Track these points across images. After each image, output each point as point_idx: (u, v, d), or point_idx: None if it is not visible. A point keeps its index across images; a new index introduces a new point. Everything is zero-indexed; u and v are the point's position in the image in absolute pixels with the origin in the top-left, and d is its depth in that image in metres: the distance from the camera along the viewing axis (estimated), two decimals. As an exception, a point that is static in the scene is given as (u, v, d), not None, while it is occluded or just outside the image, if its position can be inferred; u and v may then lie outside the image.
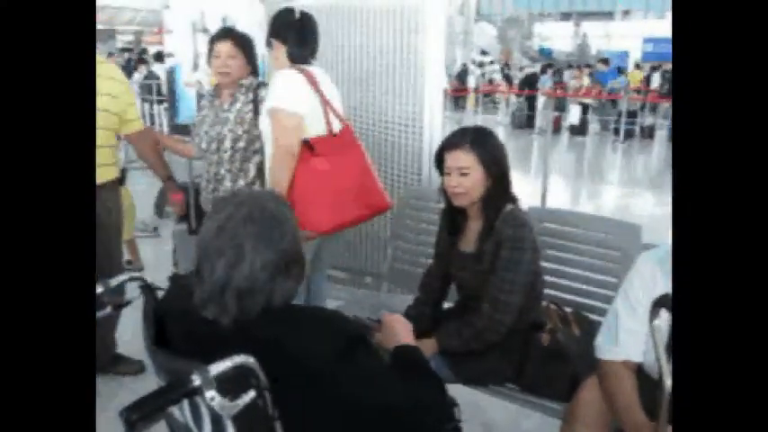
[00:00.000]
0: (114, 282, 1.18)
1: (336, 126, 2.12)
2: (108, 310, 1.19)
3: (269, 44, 2.19)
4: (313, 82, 2.08)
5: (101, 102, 2.20)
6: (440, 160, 1.76)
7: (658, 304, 1.07)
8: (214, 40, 2.38)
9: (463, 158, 1.69)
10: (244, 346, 0.91)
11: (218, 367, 0.85)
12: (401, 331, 1.31)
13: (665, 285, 1.33)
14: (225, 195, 1.07)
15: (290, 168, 1.99)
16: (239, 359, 0.87)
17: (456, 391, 1.63)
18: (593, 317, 1.94)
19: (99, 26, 11.88)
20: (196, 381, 0.83)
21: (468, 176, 1.69)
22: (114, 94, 2.26)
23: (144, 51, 13.34)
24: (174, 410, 1.03)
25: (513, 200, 1.77)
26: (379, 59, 3.01)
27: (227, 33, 2.40)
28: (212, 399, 0.83)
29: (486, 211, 1.73)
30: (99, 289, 1.15)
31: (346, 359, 1.00)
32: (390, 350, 1.26)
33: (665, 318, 1.06)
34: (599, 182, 8.00)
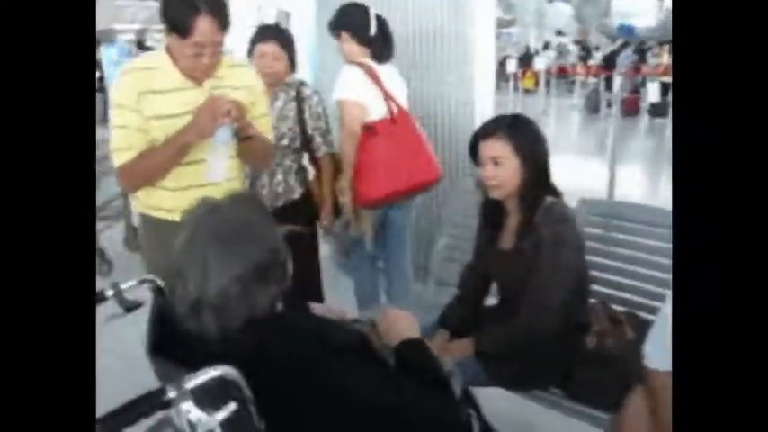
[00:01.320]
0: (125, 285, 1.18)
1: (394, 111, 2.37)
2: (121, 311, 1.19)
3: (338, 35, 2.38)
4: (373, 75, 2.32)
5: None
6: (474, 149, 1.65)
7: None
8: (257, 40, 2.32)
9: (497, 147, 1.58)
10: (230, 357, 0.88)
11: (195, 379, 0.82)
12: (406, 326, 1.21)
13: None
14: (191, 207, 1.04)
15: (354, 146, 2.33)
16: (218, 371, 0.83)
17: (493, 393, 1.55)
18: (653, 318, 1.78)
19: (136, 26, 11.56)
20: (171, 393, 0.80)
21: (502, 166, 1.58)
22: (252, 101, 1.87)
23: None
24: (173, 416, 1.01)
25: (555, 193, 1.64)
26: (428, 46, 2.91)
27: (273, 34, 2.33)
28: (188, 411, 0.80)
29: (522, 204, 1.61)
30: (110, 292, 1.16)
31: (340, 357, 0.97)
32: (393, 347, 1.17)
33: None
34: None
